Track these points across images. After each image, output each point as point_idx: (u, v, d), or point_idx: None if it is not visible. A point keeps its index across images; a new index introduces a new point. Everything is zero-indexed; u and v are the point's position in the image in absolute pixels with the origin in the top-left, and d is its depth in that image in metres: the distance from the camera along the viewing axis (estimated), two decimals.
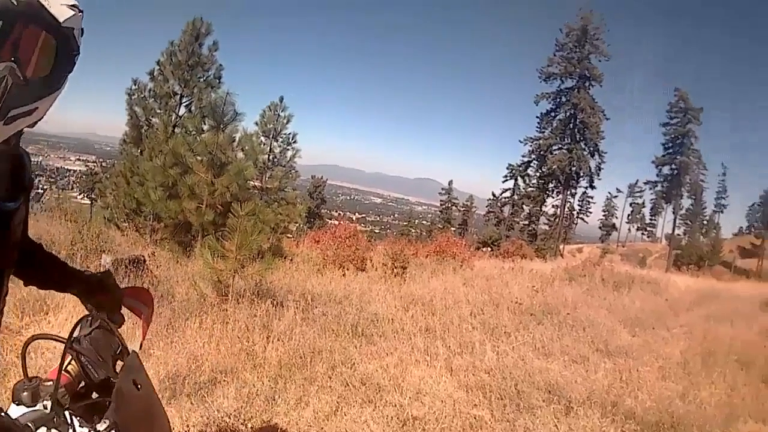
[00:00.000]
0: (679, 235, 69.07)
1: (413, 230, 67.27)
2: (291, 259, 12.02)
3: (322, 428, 4.27)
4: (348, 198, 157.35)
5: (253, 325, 6.18)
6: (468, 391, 5.46)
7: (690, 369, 7.79)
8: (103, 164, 58.10)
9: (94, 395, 1.30)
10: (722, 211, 79.35)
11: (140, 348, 1.46)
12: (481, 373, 6.07)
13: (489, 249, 36.69)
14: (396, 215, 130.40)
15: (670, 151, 58.15)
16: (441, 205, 69.63)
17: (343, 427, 4.28)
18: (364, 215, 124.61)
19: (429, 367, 6.02)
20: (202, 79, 17.27)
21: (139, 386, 1.24)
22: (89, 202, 44.92)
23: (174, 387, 4.56)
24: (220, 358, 5.31)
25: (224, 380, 4.86)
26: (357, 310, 7.76)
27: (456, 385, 5.64)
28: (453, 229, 59.44)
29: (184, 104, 18.38)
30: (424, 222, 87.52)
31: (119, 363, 1.32)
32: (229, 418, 4.24)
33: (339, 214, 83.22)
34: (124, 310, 1.52)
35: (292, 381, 4.99)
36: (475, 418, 4.75)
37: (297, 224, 15.04)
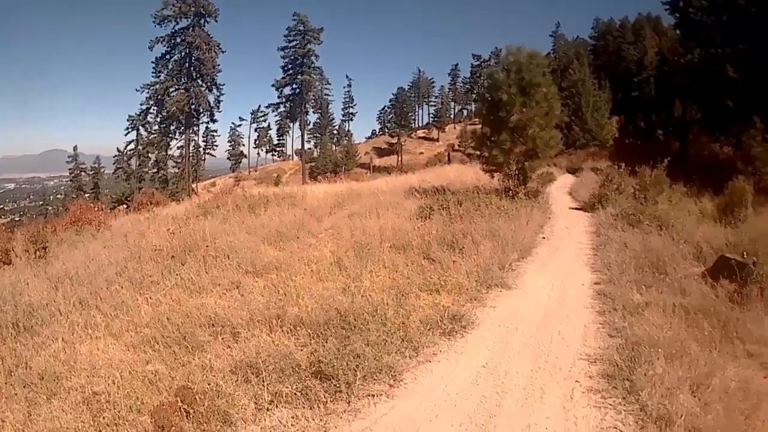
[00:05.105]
0: (310, 149, 76.89)
1: (50, 208, 66.67)
2: None
3: None
4: None
5: None
6: (136, 351, 5.83)
7: (345, 265, 8.25)
8: None
9: None
10: (352, 119, 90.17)
11: None
12: (142, 328, 6.42)
13: (124, 206, 35.31)
14: (32, 196, 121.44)
15: (290, 72, 62.96)
16: (70, 173, 66.87)
17: (42, 429, 4.44)
18: (1, 206, 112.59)
19: (93, 340, 6.23)
20: None
21: None
22: None
23: None
24: None
25: None
26: (12, 306, 7.28)
27: (123, 348, 5.95)
28: (87, 195, 57.85)
29: None
30: (59, 196, 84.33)
31: None
32: None
33: None
34: None
35: None
36: (153, 373, 5.15)
37: None
